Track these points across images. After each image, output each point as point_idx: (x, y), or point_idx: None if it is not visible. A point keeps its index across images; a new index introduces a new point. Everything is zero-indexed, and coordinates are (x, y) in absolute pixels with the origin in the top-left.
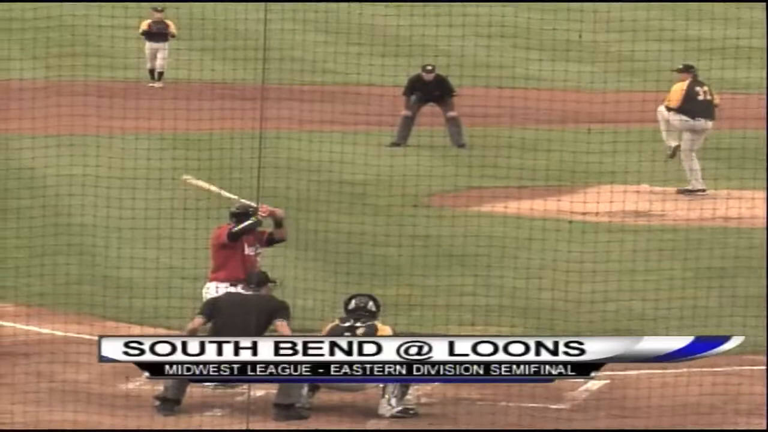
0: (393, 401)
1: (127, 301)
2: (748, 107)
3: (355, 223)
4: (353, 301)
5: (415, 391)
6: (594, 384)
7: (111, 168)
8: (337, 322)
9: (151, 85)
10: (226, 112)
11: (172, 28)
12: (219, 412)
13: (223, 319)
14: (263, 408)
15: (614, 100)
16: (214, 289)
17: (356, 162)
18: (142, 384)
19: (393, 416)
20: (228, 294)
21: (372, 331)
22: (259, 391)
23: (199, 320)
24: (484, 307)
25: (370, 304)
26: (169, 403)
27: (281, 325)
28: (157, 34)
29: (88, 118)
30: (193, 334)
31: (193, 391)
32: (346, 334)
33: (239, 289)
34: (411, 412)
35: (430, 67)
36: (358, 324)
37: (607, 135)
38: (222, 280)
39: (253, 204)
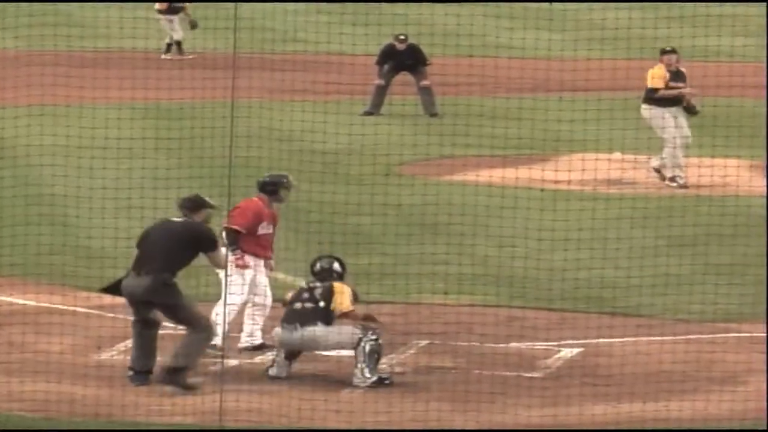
0: (366, 372)
1: (99, 271)
2: (720, 75)
3: (327, 192)
4: (318, 264)
5: (389, 360)
6: (567, 352)
7: (82, 138)
8: (303, 285)
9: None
10: (196, 81)
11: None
12: (193, 380)
13: (147, 246)
14: (236, 377)
15: (585, 68)
16: (233, 261)
17: (328, 131)
18: (115, 354)
19: (369, 387)
20: (160, 220)
21: (328, 291)
22: (233, 360)
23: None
24: (457, 275)
25: (336, 265)
26: (141, 375)
27: (214, 255)
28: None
29: (58, 88)
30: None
31: (160, 358)
32: (305, 295)
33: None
34: (386, 381)
35: (402, 37)
36: (317, 284)
37: (578, 103)
38: (247, 253)
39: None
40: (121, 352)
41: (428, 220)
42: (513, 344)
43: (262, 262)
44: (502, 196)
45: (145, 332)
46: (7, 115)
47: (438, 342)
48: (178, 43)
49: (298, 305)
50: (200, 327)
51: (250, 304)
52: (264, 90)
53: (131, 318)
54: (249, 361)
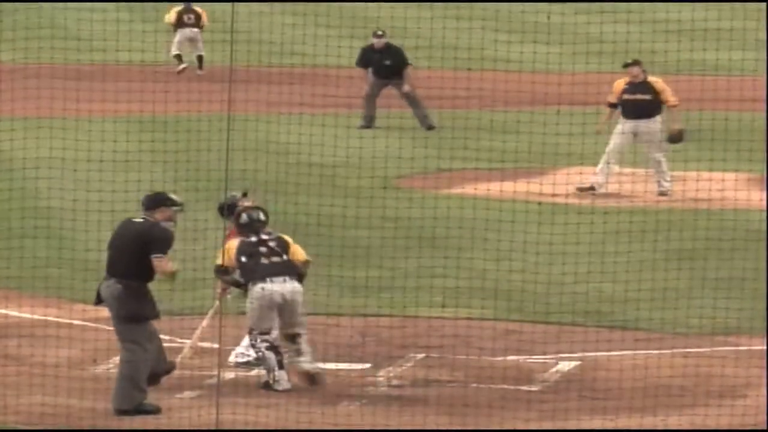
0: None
1: (94, 284)
2: (717, 89)
3: (324, 205)
4: (244, 216)
5: (386, 373)
6: (565, 365)
7: (78, 151)
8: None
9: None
10: (193, 94)
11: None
12: (189, 394)
13: (112, 248)
14: (233, 390)
15: (583, 81)
16: None
17: (326, 144)
18: (111, 367)
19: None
20: (123, 221)
21: (284, 243)
22: (229, 373)
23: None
24: (455, 289)
25: (261, 214)
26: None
27: (157, 261)
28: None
29: (55, 101)
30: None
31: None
32: (263, 249)
33: None
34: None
35: (380, 32)
36: (264, 236)
37: (576, 116)
38: None
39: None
40: (117, 365)
41: (426, 233)
42: (511, 357)
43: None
44: (500, 210)
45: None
46: (2, 127)
47: (436, 355)
48: (201, 58)
49: (265, 260)
50: (127, 355)
51: None
52: (261, 103)
53: None
54: (245, 373)
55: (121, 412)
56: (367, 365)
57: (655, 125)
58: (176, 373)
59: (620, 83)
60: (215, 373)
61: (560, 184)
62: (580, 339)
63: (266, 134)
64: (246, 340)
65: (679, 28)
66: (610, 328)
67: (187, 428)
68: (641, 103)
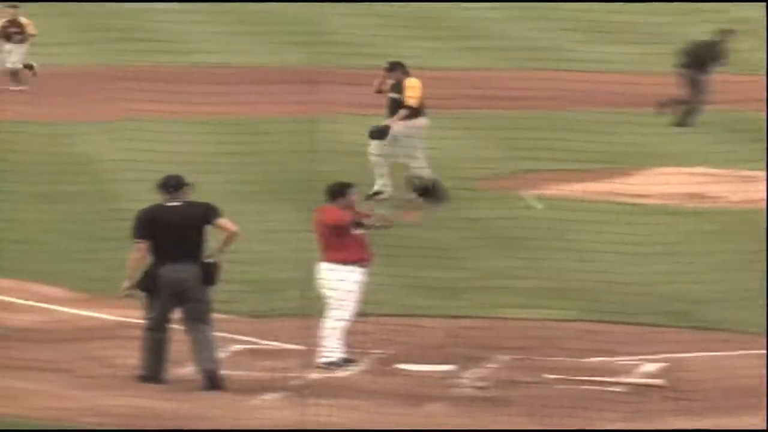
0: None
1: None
2: None
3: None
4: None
5: (471, 375)
6: (649, 366)
7: (161, 153)
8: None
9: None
10: (277, 96)
11: (30, 29)
12: (273, 395)
13: (162, 235)
14: (317, 391)
15: (673, 82)
16: (330, 272)
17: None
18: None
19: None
20: (155, 207)
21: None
22: (313, 374)
23: (142, 245)
24: (537, 290)
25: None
26: (149, 381)
27: (225, 222)
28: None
29: (136, 103)
30: (139, 263)
31: (241, 372)
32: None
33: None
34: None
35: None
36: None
37: (662, 117)
38: (341, 262)
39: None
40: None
41: (507, 233)
42: (594, 359)
43: (350, 268)
44: (582, 210)
45: (165, 334)
46: (83, 130)
47: (519, 356)
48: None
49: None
50: (211, 322)
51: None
52: (344, 104)
53: (149, 315)
54: (330, 375)
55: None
56: (452, 367)
57: None
58: (260, 374)
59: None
60: (300, 374)
61: (642, 184)
62: (663, 340)
63: (351, 136)
64: (332, 339)
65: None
66: (693, 329)
67: (270, 428)
68: None
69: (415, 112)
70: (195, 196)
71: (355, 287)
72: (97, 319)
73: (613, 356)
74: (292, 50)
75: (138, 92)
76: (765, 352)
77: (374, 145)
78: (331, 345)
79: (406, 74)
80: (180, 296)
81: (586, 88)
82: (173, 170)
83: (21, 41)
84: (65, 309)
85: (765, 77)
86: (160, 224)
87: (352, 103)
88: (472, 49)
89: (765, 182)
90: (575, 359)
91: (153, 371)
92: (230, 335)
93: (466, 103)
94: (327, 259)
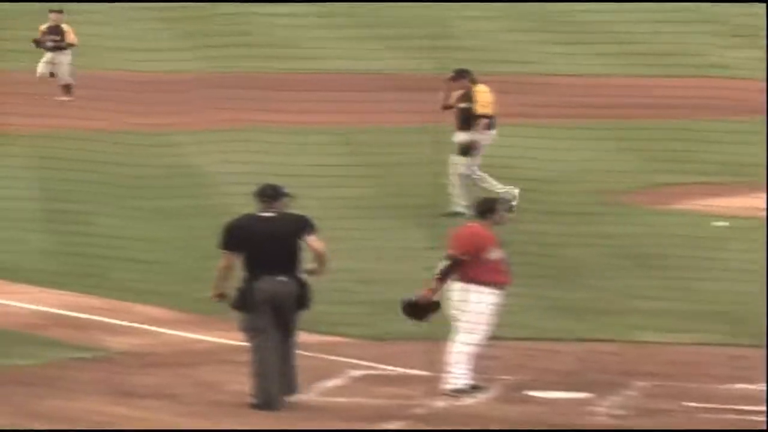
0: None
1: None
2: None
3: (535, 222)
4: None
5: (610, 403)
6: None
7: (272, 164)
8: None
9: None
10: (395, 104)
11: (71, 37)
12: (394, 424)
13: (254, 246)
14: (443, 420)
15: None
16: (464, 293)
17: (537, 157)
18: (313, 396)
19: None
20: (247, 218)
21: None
22: (439, 402)
23: (230, 256)
24: (676, 312)
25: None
26: (262, 409)
27: (314, 240)
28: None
29: (247, 112)
30: (227, 272)
31: (361, 399)
32: None
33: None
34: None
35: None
36: None
37: None
38: (477, 282)
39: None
40: (324, 392)
41: (644, 251)
42: (739, 385)
43: (487, 290)
44: (724, 227)
45: (274, 353)
46: (192, 140)
47: (658, 383)
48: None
49: None
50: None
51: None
52: None
53: (252, 335)
54: (457, 402)
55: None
56: (586, 394)
57: None
58: (382, 401)
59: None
60: (424, 401)
61: None
62: None
63: None
64: (460, 364)
65: None
66: None
67: None
68: None
69: (489, 122)
70: (312, 210)
71: (489, 310)
72: (206, 342)
73: (758, 384)
74: (414, 56)
75: (245, 100)
76: None
77: (460, 161)
78: (459, 370)
79: (474, 82)
80: (276, 310)
81: (724, 96)
82: (291, 183)
83: (60, 49)
84: (171, 331)
85: (766, 78)
86: (252, 235)
87: None
88: (605, 55)
89: None
90: (718, 386)
91: (266, 398)
92: (349, 360)
93: (595, 113)
94: (462, 279)
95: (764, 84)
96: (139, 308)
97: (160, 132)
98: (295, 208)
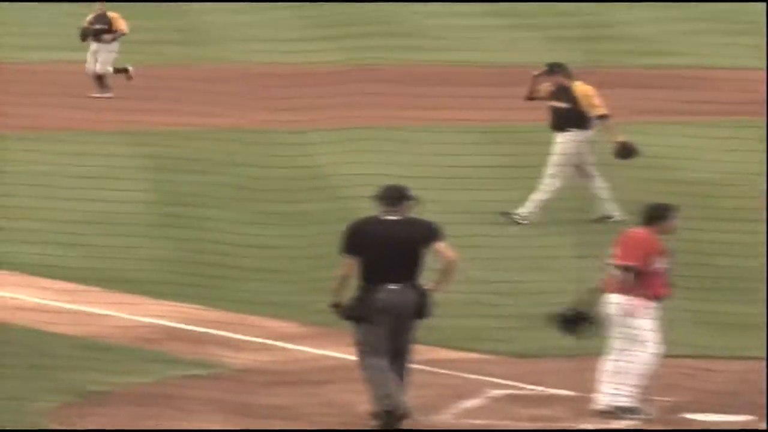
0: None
1: (434, 321)
2: None
3: (695, 229)
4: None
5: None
6: None
7: (412, 166)
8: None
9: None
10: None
11: (121, 25)
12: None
13: (374, 252)
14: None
15: None
16: (622, 306)
17: (700, 158)
18: (454, 416)
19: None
20: (369, 220)
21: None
22: (587, 424)
23: (350, 260)
24: None
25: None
26: (389, 417)
27: (444, 247)
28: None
29: (386, 108)
30: (348, 279)
31: (502, 421)
32: None
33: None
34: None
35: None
36: None
37: None
38: (640, 296)
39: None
40: (457, 415)
41: None
42: None
43: (652, 305)
44: None
45: (396, 360)
46: (324, 139)
47: None
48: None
49: None
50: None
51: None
52: (625, 110)
53: (366, 349)
54: (608, 425)
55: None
56: (750, 417)
57: None
58: (524, 424)
59: None
60: (571, 424)
61: None
62: None
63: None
64: (613, 384)
65: None
66: None
67: None
68: None
69: (588, 122)
70: (445, 216)
71: (650, 326)
72: (333, 358)
73: None
74: (564, 47)
75: (385, 96)
76: None
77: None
78: (612, 390)
79: (570, 77)
80: (393, 323)
81: None
82: (426, 186)
83: (109, 40)
84: (296, 347)
85: (765, 78)
86: (373, 240)
87: (638, 109)
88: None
89: None
90: None
91: (389, 414)
92: (489, 378)
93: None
94: (621, 291)
95: None
96: (261, 321)
97: (285, 130)
98: (430, 213)
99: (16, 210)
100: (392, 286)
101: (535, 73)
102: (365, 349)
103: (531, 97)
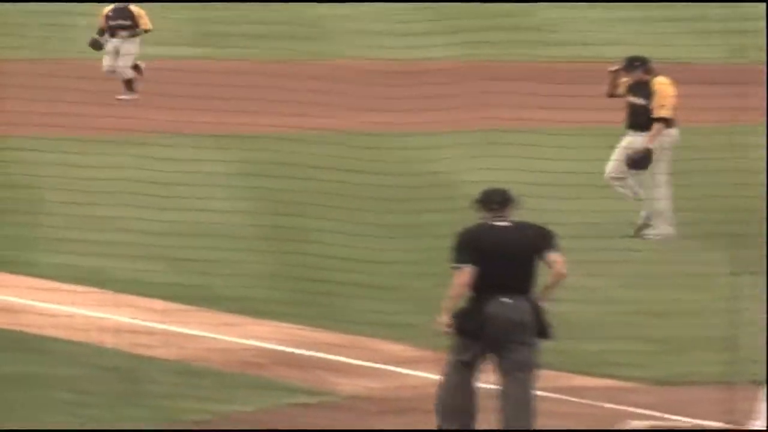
0: None
1: (568, 344)
2: None
3: None
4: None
5: None
6: None
7: (541, 173)
8: None
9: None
10: (691, 100)
11: (144, 21)
12: None
13: (488, 261)
14: None
15: None
16: None
17: None
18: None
19: None
20: (480, 227)
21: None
22: None
23: (468, 269)
24: None
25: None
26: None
27: (557, 258)
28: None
29: (515, 109)
30: (464, 290)
31: None
32: None
33: None
34: None
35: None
36: None
37: None
38: None
39: None
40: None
41: None
42: None
43: None
44: None
45: (508, 381)
46: (442, 143)
47: None
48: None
49: None
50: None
51: None
52: None
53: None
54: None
55: None
56: None
57: None
58: None
59: None
60: None
61: None
62: None
63: None
64: None
65: None
66: None
67: None
68: None
69: (668, 123)
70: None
71: None
72: None
73: None
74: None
75: (513, 96)
76: None
77: (615, 171)
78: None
79: (650, 72)
80: (505, 338)
81: None
82: (553, 194)
83: (129, 36)
84: (411, 372)
85: (765, 78)
86: (487, 248)
87: None
88: None
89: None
90: None
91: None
92: (631, 408)
93: None
94: None
95: None
96: (372, 344)
97: (399, 133)
98: (560, 225)
99: (102, 221)
100: (504, 299)
101: (612, 68)
102: (453, 364)
103: (612, 94)
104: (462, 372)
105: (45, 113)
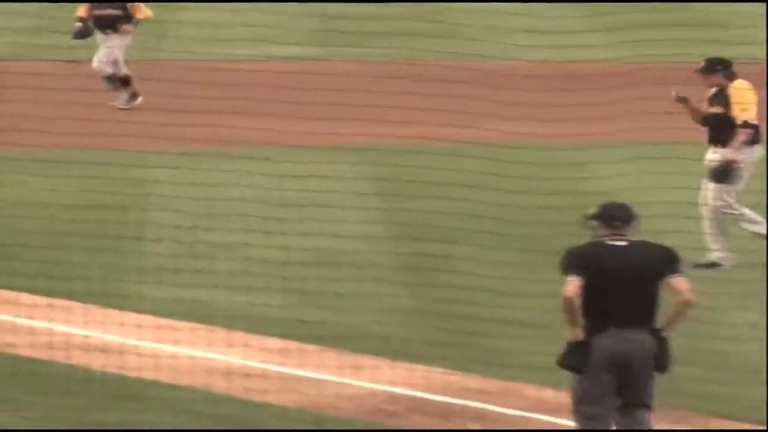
0: None
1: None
2: None
3: None
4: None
5: None
6: None
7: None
8: None
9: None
10: None
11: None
12: None
13: (600, 286)
14: None
15: None
16: None
17: None
18: None
19: None
20: (595, 247)
21: None
22: None
23: (576, 280)
24: None
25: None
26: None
27: (681, 282)
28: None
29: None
30: (572, 303)
31: None
32: None
33: None
34: None
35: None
36: None
37: None
38: None
39: None
40: None
41: None
42: None
43: None
44: None
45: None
46: (608, 157)
47: None
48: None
49: None
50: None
51: None
52: None
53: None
54: None
55: None
56: None
57: None
58: None
59: None
60: None
61: None
62: None
63: None
64: None
65: None
66: None
67: None
68: None
69: (753, 133)
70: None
71: None
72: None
73: None
74: None
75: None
76: None
77: (713, 192)
78: None
79: (730, 77)
80: (625, 375)
81: None
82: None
83: (120, 31)
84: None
85: (765, 78)
86: (599, 270)
87: None
88: None
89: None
90: None
91: None
92: None
93: None
94: None
95: None
96: (526, 390)
97: (556, 146)
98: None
99: (213, 248)
100: (623, 330)
101: (676, 93)
102: (583, 414)
103: (703, 122)
104: (592, 407)
105: (150, 123)
